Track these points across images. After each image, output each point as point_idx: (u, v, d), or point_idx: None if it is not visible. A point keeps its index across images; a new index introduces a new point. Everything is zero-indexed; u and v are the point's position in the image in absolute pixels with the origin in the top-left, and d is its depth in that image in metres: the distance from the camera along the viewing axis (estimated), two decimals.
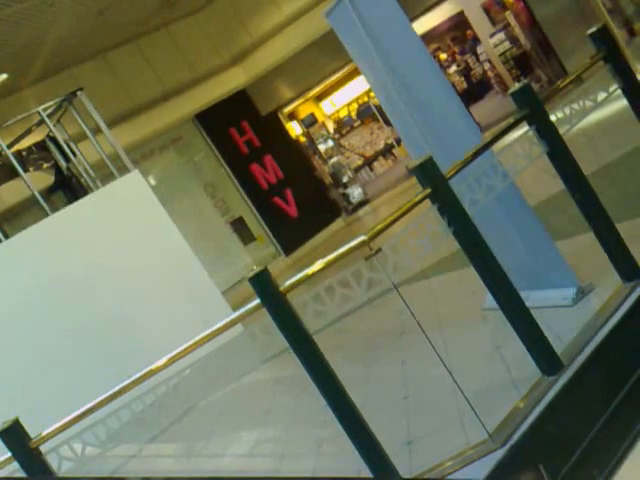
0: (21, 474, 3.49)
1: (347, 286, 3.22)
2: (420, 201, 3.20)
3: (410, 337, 5.11)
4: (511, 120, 3.69)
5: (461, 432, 3.75)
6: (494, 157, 3.59)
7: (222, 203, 13.14)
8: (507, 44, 12.98)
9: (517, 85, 3.60)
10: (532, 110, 3.62)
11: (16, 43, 8.32)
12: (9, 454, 3.44)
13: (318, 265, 3.11)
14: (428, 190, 3.14)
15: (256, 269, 3.33)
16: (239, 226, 13.03)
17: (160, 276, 8.40)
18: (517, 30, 12.47)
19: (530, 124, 3.67)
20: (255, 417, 5.79)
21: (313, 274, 3.20)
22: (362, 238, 3.08)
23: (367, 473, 3.52)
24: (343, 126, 15.59)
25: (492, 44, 13.32)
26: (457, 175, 3.31)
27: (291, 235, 12.85)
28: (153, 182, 11.74)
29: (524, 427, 3.39)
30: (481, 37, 14.18)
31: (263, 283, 3.31)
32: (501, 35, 13.18)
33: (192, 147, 12.89)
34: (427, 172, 3.17)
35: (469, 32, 15.04)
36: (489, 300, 4.09)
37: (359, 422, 3.37)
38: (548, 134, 3.69)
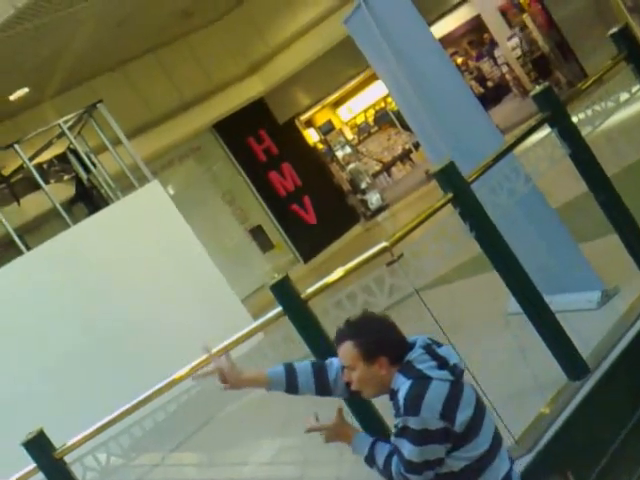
0: None
1: (369, 292, 3.21)
2: (442, 206, 3.17)
3: None
4: (532, 122, 3.66)
5: None
6: (516, 160, 3.56)
7: (240, 211, 13.18)
8: (525, 47, 12.90)
9: (538, 87, 3.57)
10: (554, 112, 3.59)
11: (36, 57, 8.42)
12: (34, 465, 3.45)
13: (340, 272, 3.09)
14: (450, 195, 3.12)
15: (277, 277, 3.32)
16: (258, 234, 13.06)
17: (180, 285, 8.44)
18: (535, 33, 12.41)
19: (552, 126, 3.63)
20: (275, 425, 5.77)
21: (335, 280, 3.18)
22: (384, 244, 3.06)
23: None
24: (360, 132, 15.58)
25: (510, 47, 13.26)
26: (479, 179, 3.28)
27: (309, 242, 12.85)
28: (172, 192, 11.80)
29: (551, 433, 3.34)
30: (498, 40, 14.12)
31: (284, 291, 3.30)
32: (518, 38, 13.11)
33: (211, 156, 12.96)
34: (449, 177, 3.15)
35: (486, 36, 14.99)
36: (512, 305, 4.05)
37: (379, 427, 3.34)
38: (570, 136, 3.66)
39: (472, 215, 3.11)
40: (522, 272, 3.32)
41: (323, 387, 2.41)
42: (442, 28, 13.43)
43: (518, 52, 13.18)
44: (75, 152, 9.14)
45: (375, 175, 14.76)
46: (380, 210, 13.29)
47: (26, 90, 9.41)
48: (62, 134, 8.68)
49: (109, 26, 8.67)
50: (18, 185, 9.06)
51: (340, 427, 2.35)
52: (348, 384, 2.30)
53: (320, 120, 14.70)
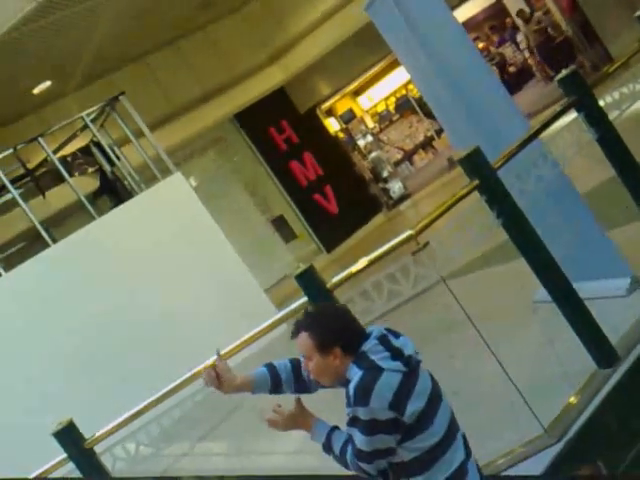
0: (77, 474, 3.55)
1: (394, 281, 3.19)
2: (467, 194, 3.13)
3: (457, 332, 5.02)
4: (558, 107, 3.61)
5: (514, 427, 3.68)
6: (542, 146, 3.51)
7: (262, 202, 13.19)
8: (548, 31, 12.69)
9: (564, 71, 3.51)
10: (580, 96, 3.53)
11: (58, 50, 8.47)
12: (65, 455, 3.50)
13: (365, 261, 3.08)
14: (476, 182, 3.08)
15: (302, 266, 3.32)
16: (280, 224, 13.06)
17: (204, 276, 8.48)
18: (557, 16, 12.22)
19: (578, 110, 3.57)
20: None
21: (360, 270, 3.17)
22: (409, 232, 3.03)
23: None
24: (382, 120, 15.49)
25: (532, 31, 13.06)
26: (505, 165, 3.24)
27: (332, 232, 12.81)
28: (194, 183, 11.84)
29: (581, 421, 3.31)
30: (520, 25, 13.92)
31: (310, 280, 3.30)
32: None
33: (232, 147, 12.96)
34: (474, 163, 3.11)
35: (508, 20, 14.78)
36: (540, 292, 4.00)
37: None
38: (597, 120, 3.60)
39: (499, 202, 3.07)
40: (550, 259, 3.28)
41: (301, 384, 2.43)
42: (463, 13, 13.27)
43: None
44: (98, 145, 9.20)
45: (397, 163, 14.66)
46: (402, 199, 13.22)
47: (49, 84, 9.47)
48: (85, 127, 8.74)
49: (129, 18, 8.68)
50: (43, 178, 9.14)
51: (299, 415, 2.35)
52: None
53: (341, 109, 14.63)
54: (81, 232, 8.03)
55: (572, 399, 3.46)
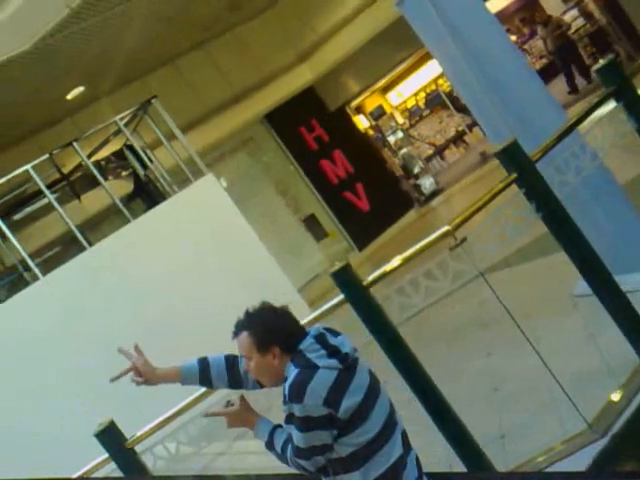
0: (118, 474, 3.59)
1: (432, 278, 3.16)
2: (505, 187, 3.09)
3: (495, 328, 4.98)
4: (594, 98, 3.53)
5: (557, 423, 3.63)
6: (581, 137, 3.44)
7: (293, 201, 13.19)
8: (581, 21, 12.47)
9: (602, 61, 3.43)
10: (619, 86, 3.45)
11: (90, 55, 8.57)
12: (106, 455, 3.53)
13: (402, 257, 3.05)
14: (514, 175, 3.03)
15: (338, 264, 3.30)
16: (311, 223, 13.05)
17: (237, 276, 8.51)
18: (591, 5, 11.98)
19: (617, 100, 3.50)
20: None
21: (397, 267, 3.14)
22: (446, 228, 3.00)
23: (459, 467, 3.44)
24: (412, 116, 15.39)
25: (567, 20, 12.83)
26: (543, 158, 3.18)
27: (363, 229, 12.77)
28: (226, 184, 11.91)
29: (625, 416, 3.25)
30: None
31: (346, 278, 3.28)
32: (574, 12, 12.67)
33: (262, 147, 12.99)
34: (512, 156, 3.06)
35: (540, 11, 14.55)
36: (580, 286, 3.94)
37: (451, 416, 3.30)
38: (637, 110, 3.51)
39: (538, 195, 3.02)
40: (591, 252, 3.22)
41: (235, 380, 2.47)
42: (493, 5, 13.11)
43: (574, 26, 12.75)
44: (131, 148, 9.31)
45: (428, 159, 14.55)
46: (434, 195, 13.11)
47: (82, 89, 9.59)
48: (118, 131, 8.85)
49: (159, 22, 8.75)
50: (78, 182, 9.28)
51: (244, 413, 2.39)
52: None
53: (370, 106, 14.57)
54: (116, 235, 8.13)
55: (616, 394, 3.40)
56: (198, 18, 9.81)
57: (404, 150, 13.62)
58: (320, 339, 2.22)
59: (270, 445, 2.34)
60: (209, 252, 8.38)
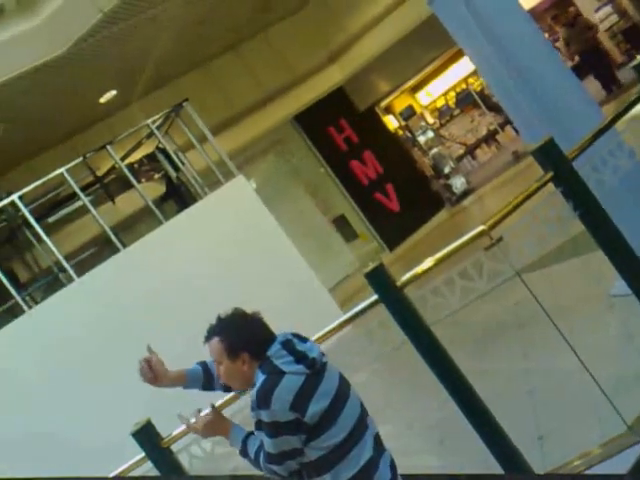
0: (154, 473, 3.62)
1: (467, 277, 3.13)
2: (542, 186, 3.05)
3: (530, 328, 4.91)
4: (631, 95, 3.47)
5: (595, 425, 3.57)
6: (618, 135, 3.38)
7: (323, 202, 13.20)
8: (614, 17, 12.26)
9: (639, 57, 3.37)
10: None
11: (123, 59, 8.69)
12: (143, 454, 3.56)
13: (437, 257, 3.02)
14: (551, 173, 2.99)
15: (371, 265, 3.29)
16: (341, 224, 13.04)
17: (269, 277, 8.54)
18: (625, 2, 11.78)
19: None
20: (370, 413, 5.75)
21: (431, 267, 3.12)
22: (481, 228, 2.97)
23: (496, 469, 3.40)
24: (442, 116, 15.30)
25: (598, 19, 12.64)
26: (580, 156, 3.13)
27: (394, 230, 12.72)
28: (256, 185, 11.97)
29: None
30: (585, 13, 13.47)
31: (379, 278, 3.26)
32: (607, 9, 12.46)
33: (292, 148, 13.03)
34: (548, 154, 3.02)
35: (571, 9, 14.35)
36: (617, 286, 3.87)
37: (487, 417, 3.27)
38: None
39: (576, 194, 2.98)
40: (630, 251, 3.16)
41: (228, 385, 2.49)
42: (525, 3, 12.95)
43: (606, 24, 12.54)
44: (163, 151, 9.40)
45: (459, 159, 14.45)
46: (465, 194, 13.01)
47: (114, 92, 9.72)
48: (151, 134, 8.94)
49: (191, 25, 8.83)
50: (112, 185, 9.40)
51: (216, 422, 2.43)
52: None
53: (399, 106, 14.51)
54: (149, 236, 8.22)
55: None
56: (229, 20, 9.87)
57: (434, 150, 13.54)
58: (287, 345, 2.26)
59: (244, 452, 2.37)
60: (240, 253, 8.43)
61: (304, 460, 2.22)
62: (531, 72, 3.90)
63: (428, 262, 3.04)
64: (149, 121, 8.64)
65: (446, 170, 13.28)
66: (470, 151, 14.76)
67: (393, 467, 2.33)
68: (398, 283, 3.20)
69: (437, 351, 3.24)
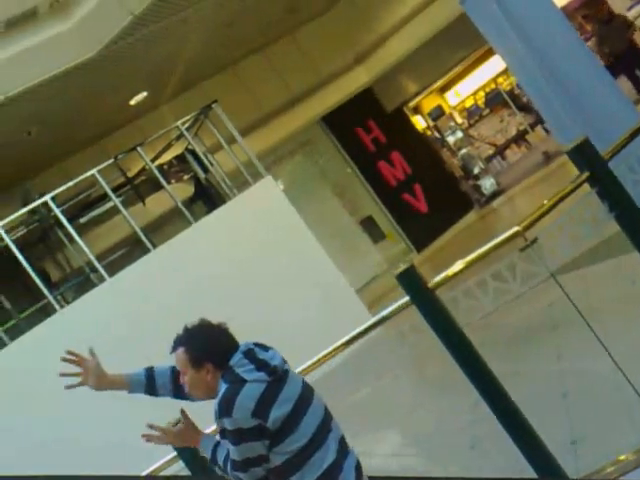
0: (186, 473, 3.63)
1: (501, 279, 3.09)
2: (577, 187, 3.00)
3: (564, 330, 4.85)
4: None
5: (631, 430, 3.50)
6: None
7: (350, 203, 13.18)
8: None
9: None
10: None
11: (153, 61, 8.76)
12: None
13: (470, 258, 2.99)
14: (586, 174, 2.94)
15: (403, 266, 3.26)
16: (368, 225, 13.00)
17: (297, 278, 8.56)
18: None
19: None
20: (400, 416, 5.73)
21: (464, 268, 3.08)
22: (516, 229, 2.93)
23: (529, 473, 3.36)
24: (470, 116, 15.18)
25: (631, 17, 12.41)
26: (615, 156, 3.08)
27: (422, 231, 12.65)
28: (283, 186, 11.99)
29: None
30: (616, 11, 13.26)
31: (411, 280, 3.23)
32: None
33: (319, 149, 13.03)
34: (584, 154, 2.97)
35: (603, 7, 14.13)
36: None
37: (520, 420, 3.22)
38: None
39: (612, 194, 2.92)
40: None
41: (179, 391, 2.53)
42: (556, 1, 12.79)
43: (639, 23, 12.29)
44: (192, 152, 9.47)
45: (488, 159, 14.32)
46: (495, 195, 12.88)
47: (145, 94, 9.81)
48: (180, 135, 9.02)
49: (220, 27, 8.87)
50: (142, 186, 9.49)
51: (187, 431, 2.47)
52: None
53: (427, 106, 14.44)
54: (179, 237, 8.29)
55: None
56: (258, 22, 9.91)
57: (464, 150, 13.44)
58: (248, 354, 2.32)
59: (214, 461, 2.42)
60: (268, 254, 8.46)
61: (270, 466, 2.27)
62: (565, 71, 3.84)
63: (461, 263, 3.00)
64: (179, 122, 8.72)
65: (475, 171, 13.17)
66: (500, 151, 14.61)
67: (358, 469, 2.37)
68: (430, 284, 3.17)
69: (469, 353, 3.20)
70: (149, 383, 2.60)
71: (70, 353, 2.67)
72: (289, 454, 2.24)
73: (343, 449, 2.35)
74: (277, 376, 2.29)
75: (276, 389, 2.27)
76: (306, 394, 2.35)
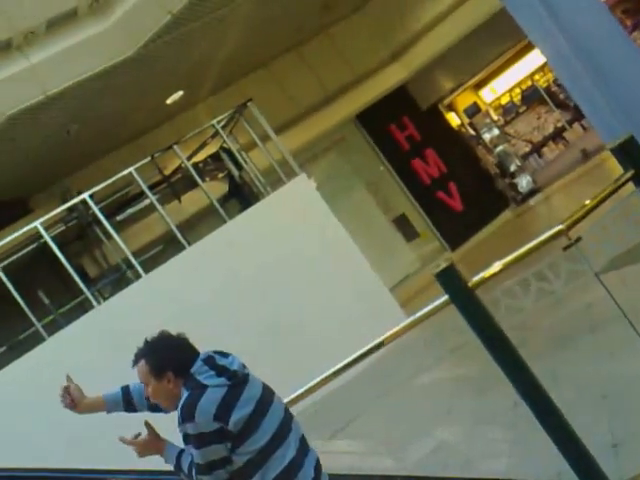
0: None
1: (543, 279, 3.05)
2: (622, 185, 2.93)
3: (605, 331, 4.75)
4: None
5: None
6: None
7: (384, 201, 13.13)
8: None
9: None
10: None
11: (189, 60, 8.82)
12: None
13: (512, 257, 2.94)
14: (631, 172, 2.88)
15: (442, 264, 3.22)
16: (402, 223, 12.94)
17: (330, 276, 8.55)
18: None
19: None
20: (435, 416, 5.68)
21: (505, 267, 3.03)
22: (559, 227, 2.87)
23: (568, 476, 3.30)
24: (506, 113, 14.99)
25: None
26: None
27: (457, 229, 12.55)
28: (316, 184, 11.99)
29: None
30: None
31: (450, 278, 3.19)
32: None
33: (353, 147, 13.00)
34: (629, 152, 2.90)
35: None
36: None
37: (562, 422, 3.17)
38: None
39: None
40: None
41: (156, 405, 2.60)
42: None
43: None
44: (227, 150, 9.52)
45: (525, 157, 14.12)
46: (531, 194, 12.70)
47: (181, 93, 9.88)
48: (216, 133, 9.07)
49: (255, 26, 8.89)
50: (177, 184, 9.58)
51: (152, 442, 2.56)
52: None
53: (461, 103, 14.30)
54: (214, 234, 8.34)
55: None
56: (292, 21, 9.91)
57: (500, 148, 13.27)
58: (208, 361, 2.41)
59: (178, 468, 2.50)
60: (301, 251, 8.47)
61: (233, 467, 2.35)
62: (608, 66, 3.76)
63: (502, 262, 2.96)
64: (214, 121, 8.77)
65: (512, 168, 13.01)
66: (536, 149, 14.41)
67: (318, 468, 2.46)
68: (470, 284, 3.13)
69: (510, 354, 3.16)
70: (126, 400, 2.72)
71: (64, 388, 2.78)
72: (250, 454, 2.33)
73: (303, 447, 2.45)
74: (237, 380, 2.38)
75: (237, 393, 2.36)
76: (266, 396, 2.45)
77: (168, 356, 2.45)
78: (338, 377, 3.59)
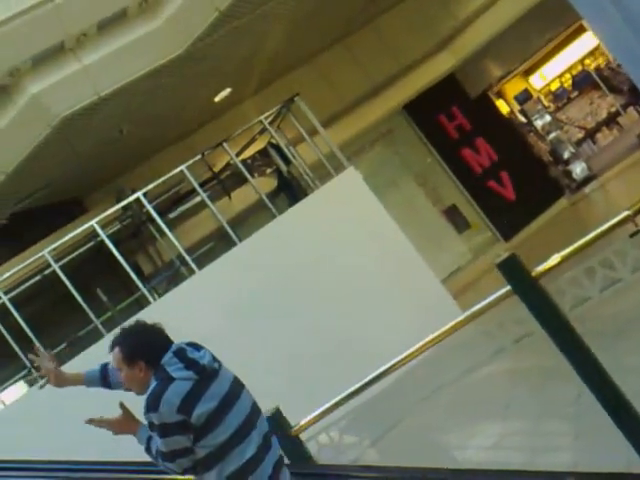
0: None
1: (609, 266, 2.95)
2: None
3: None
4: None
5: None
6: None
7: (433, 192, 12.96)
8: None
9: None
10: None
11: (237, 57, 8.84)
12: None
13: (578, 244, 2.86)
14: None
15: (504, 255, 3.16)
16: (452, 214, 12.76)
17: (381, 269, 8.49)
18: None
19: None
20: (496, 409, 5.58)
21: (569, 256, 2.95)
22: (626, 213, 2.78)
23: (638, 466, 3.20)
24: (557, 99, 14.63)
25: None
26: None
27: (509, 219, 12.30)
28: (365, 177, 11.91)
29: None
30: None
31: (513, 269, 3.13)
32: None
33: (401, 138, 12.87)
34: None
35: None
36: None
37: (631, 412, 3.07)
38: None
39: None
40: None
41: None
42: None
43: None
44: (274, 145, 9.54)
45: (578, 143, 13.76)
46: (587, 181, 12.37)
47: (229, 90, 9.93)
48: (264, 129, 9.09)
49: (301, 20, 8.85)
50: (227, 181, 9.64)
51: (125, 421, 2.66)
52: None
53: (510, 90, 14.03)
54: (264, 230, 8.36)
55: None
56: (338, 13, 9.85)
57: (552, 134, 12.96)
58: (179, 354, 2.49)
59: (148, 451, 2.60)
60: (352, 244, 8.43)
61: (195, 457, 2.45)
62: None
63: (568, 250, 2.87)
64: (262, 117, 8.79)
65: (565, 156, 12.70)
66: (590, 135, 14.03)
67: (278, 464, 2.55)
68: (533, 273, 3.06)
69: (575, 343, 3.08)
70: (103, 378, 2.84)
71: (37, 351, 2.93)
72: (211, 447, 2.42)
73: (266, 444, 2.53)
74: (205, 375, 2.46)
75: (203, 387, 2.44)
76: (234, 391, 2.52)
77: (141, 346, 2.54)
78: (393, 372, 3.56)
